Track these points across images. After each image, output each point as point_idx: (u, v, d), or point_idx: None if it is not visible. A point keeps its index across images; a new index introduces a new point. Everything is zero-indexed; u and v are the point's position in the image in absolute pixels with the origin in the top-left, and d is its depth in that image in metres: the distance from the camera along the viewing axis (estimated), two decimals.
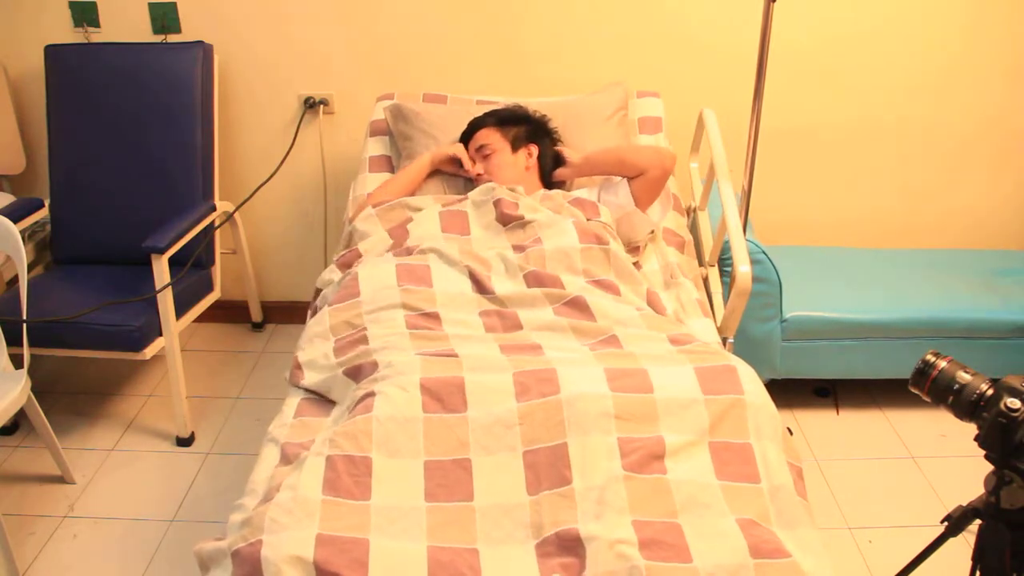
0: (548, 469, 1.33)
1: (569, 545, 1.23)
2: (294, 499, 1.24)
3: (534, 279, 1.76)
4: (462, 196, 2.08)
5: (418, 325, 1.65)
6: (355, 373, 1.55)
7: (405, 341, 1.58)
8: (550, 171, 2.22)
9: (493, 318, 1.69)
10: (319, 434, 1.46)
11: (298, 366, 1.67)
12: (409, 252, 1.86)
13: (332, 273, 1.95)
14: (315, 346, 1.68)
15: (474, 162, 2.18)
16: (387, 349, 1.55)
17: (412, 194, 2.19)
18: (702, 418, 1.39)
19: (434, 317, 1.67)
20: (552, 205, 2.00)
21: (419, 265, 1.79)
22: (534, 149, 2.20)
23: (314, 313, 1.89)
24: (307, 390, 1.64)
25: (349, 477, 1.29)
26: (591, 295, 1.70)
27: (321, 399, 1.61)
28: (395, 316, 1.67)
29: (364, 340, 1.62)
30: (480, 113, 2.26)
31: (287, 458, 1.42)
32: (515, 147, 2.17)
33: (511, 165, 2.14)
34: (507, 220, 1.95)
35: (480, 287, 1.76)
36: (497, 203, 1.97)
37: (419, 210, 2.04)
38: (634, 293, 1.79)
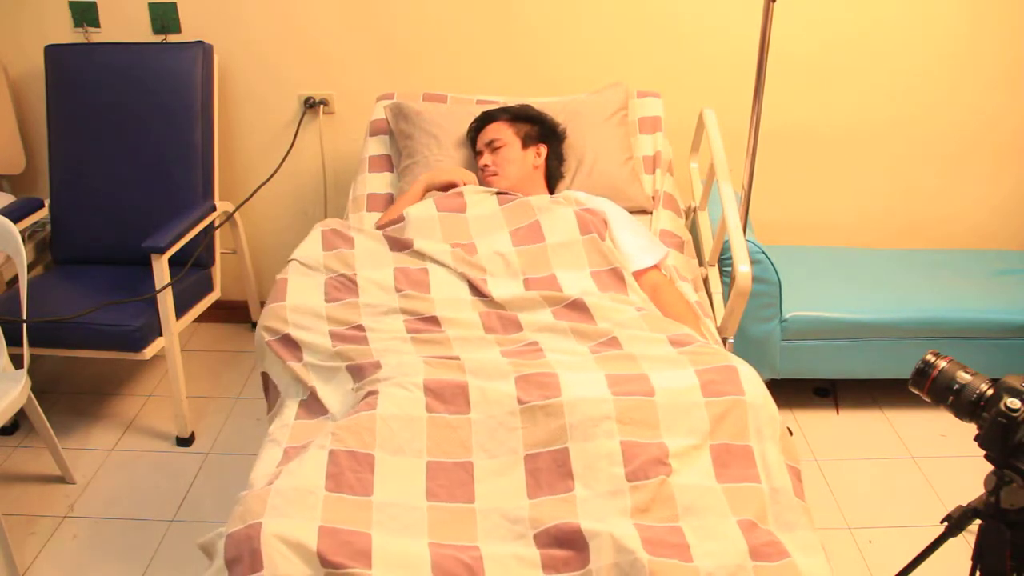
0: (549, 476, 1.33)
1: (571, 540, 1.23)
2: (295, 489, 1.25)
3: (534, 284, 1.76)
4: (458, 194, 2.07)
5: (418, 329, 1.65)
6: (357, 371, 1.55)
7: (407, 346, 1.58)
8: (556, 174, 2.23)
9: (492, 319, 1.69)
10: (321, 432, 1.46)
11: (295, 344, 1.64)
12: (404, 246, 1.86)
13: (315, 247, 1.90)
14: (310, 325, 1.67)
15: (482, 154, 2.18)
16: (389, 352, 1.55)
17: None
18: (703, 421, 1.39)
19: (433, 320, 1.67)
20: None
21: (417, 270, 1.80)
22: (543, 149, 2.20)
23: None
24: (303, 382, 1.61)
25: (351, 473, 1.29)
26: (590, 297, 1.70)
27: (312, 397, 1.59)
28: (395, 322, 1.67)
29: (364, 340, 1.62)
30: (482, 111, 2.27)
31: (290, 459, 1.42)
32: (525, 144, 2.17)
33: (519, 161, 2.14)
34: (505, 200, 1.97)
35: (478, 292, 1.76)
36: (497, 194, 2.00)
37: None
38: (635, 292, 1.79)
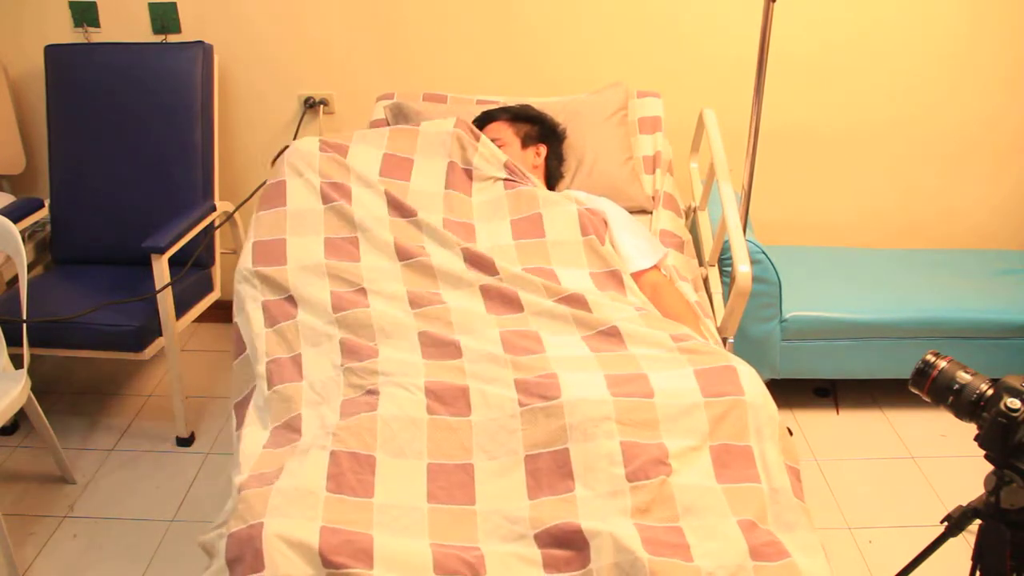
0: (549, 476, 1.33)
1: (571, 540, 1.23)
2: (297, 489, 1.25)
3: (535, 272, 1.76)
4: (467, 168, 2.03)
5: (419, 299, 1.65)
6: (353, 349, 1.55)
7: (408, 319, 1.58)
8: (556, 174, 2.23)
9: (493, 295, 1.68)
10: (304, 408, 1.46)
11: (292, 302, 1.66)
12: (406, 213, 1.85)
13: (313, 200, 1.88)
14: (312, 283, 1.68)
15: None
16: (390, 339, 1.55)
17: None
18: (703, 422, 1.38)
19: (434, 295, 1.68)
20: None
21: (416, 247, 1.80)
22: (543, 149, 2.20)
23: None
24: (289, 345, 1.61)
25: (352, 474, 1.30)
26: (590, 295, 1.69)
27: (293, 361, 1.59)
28: (395, 289, 1.68)
29: (365, 304, 1.62)
30: (482, 111, 2.27)
31: (278, 443, 1.42)
32: (525, 144, 2.17)
33: (518, 160, 2.14)
34: (511, 186, 1.95)
35: (480, 268, 1.75)
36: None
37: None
38: (634, 294, 1.79)
